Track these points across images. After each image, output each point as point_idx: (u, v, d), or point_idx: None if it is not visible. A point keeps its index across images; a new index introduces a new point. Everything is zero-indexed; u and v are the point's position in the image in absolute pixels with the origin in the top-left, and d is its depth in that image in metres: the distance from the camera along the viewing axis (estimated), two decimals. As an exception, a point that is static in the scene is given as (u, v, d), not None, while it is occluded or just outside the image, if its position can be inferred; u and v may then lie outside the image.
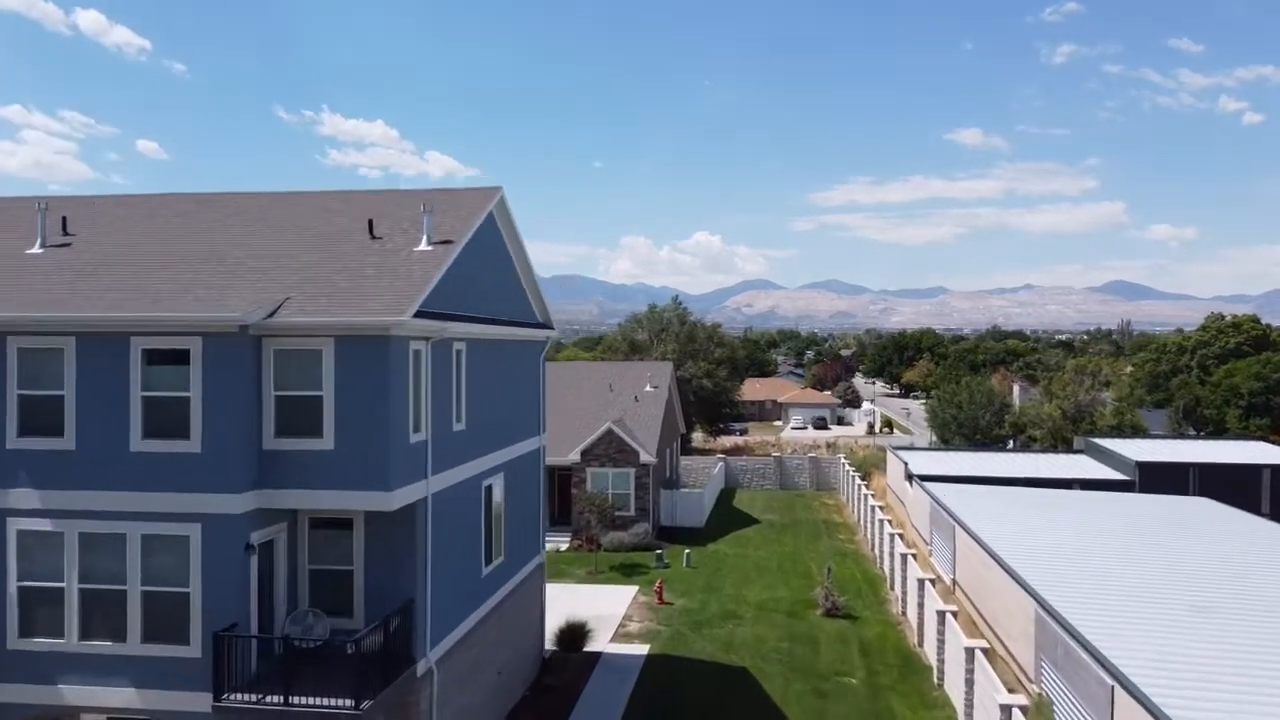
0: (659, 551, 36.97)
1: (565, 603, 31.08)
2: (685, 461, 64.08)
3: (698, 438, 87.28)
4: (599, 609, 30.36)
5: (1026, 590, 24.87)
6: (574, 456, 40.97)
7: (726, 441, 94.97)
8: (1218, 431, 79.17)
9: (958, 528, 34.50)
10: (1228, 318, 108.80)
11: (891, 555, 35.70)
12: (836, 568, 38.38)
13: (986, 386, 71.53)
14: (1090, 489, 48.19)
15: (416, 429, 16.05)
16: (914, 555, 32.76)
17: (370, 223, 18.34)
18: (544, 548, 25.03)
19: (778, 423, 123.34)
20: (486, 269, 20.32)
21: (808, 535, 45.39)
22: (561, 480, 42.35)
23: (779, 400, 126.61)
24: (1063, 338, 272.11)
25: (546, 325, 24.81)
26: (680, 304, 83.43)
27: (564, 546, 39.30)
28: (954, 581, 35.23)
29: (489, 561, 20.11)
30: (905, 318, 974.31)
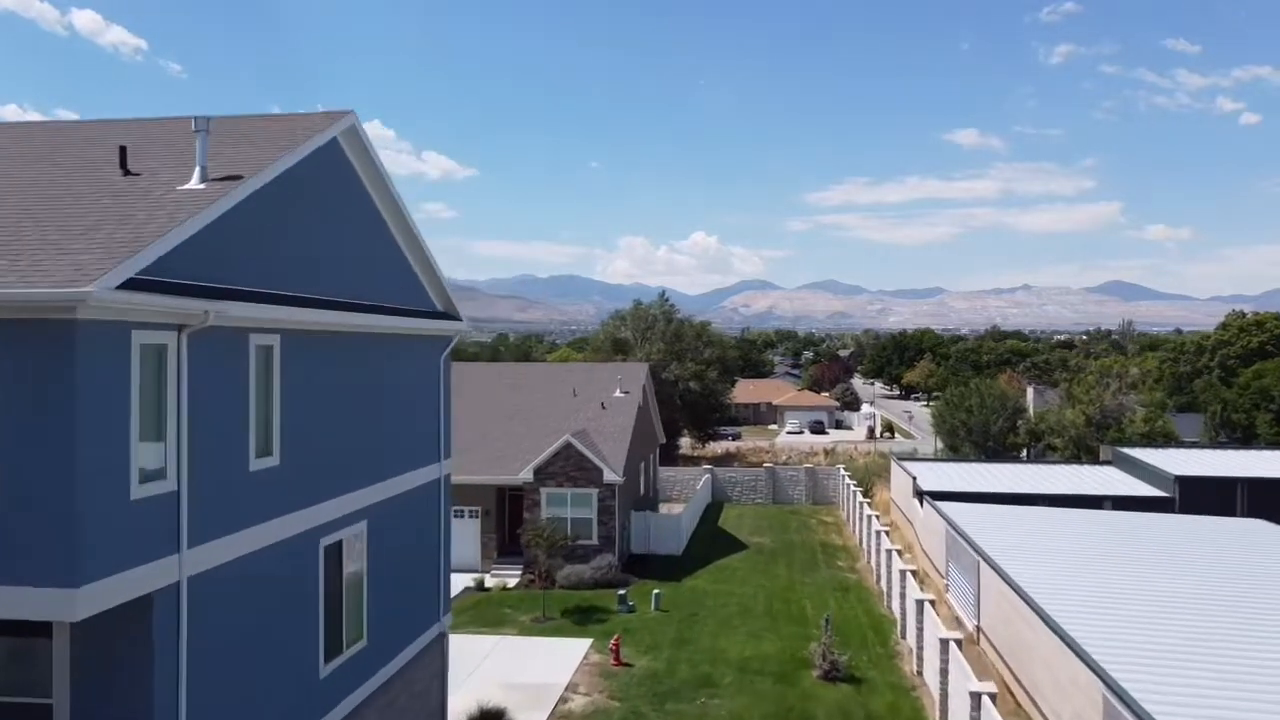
0: (621, 592, 30.70)
1: (496, 664, 24.87)
2: (668, 473, 57.91)
3: (686, 444, 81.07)
4: (537, 674, 24.15)
5: (1088, 664, 18.68)
6: (526, 475, 34.74)
7: (718, 448, 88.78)
8: (1247, 438, 73.11)
9: (982, 564, 28.33)
10: (1248, 315, 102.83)
11: (903, 596, 29.51)
12: (837, 607, 32.20)
13: (998, 389, 65.39)
14: (1125, 508, 42.10)
15: (154, 474, 9.83)
16: (932, 602, 26.59)
17: (123, 152, 12.08)
18: (445, 612, 18.78)
19: (773, 426, 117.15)
20: (329, 229, 14.09)
21: (803, 563, 39.17)
22: (513, 503, 36.14)
23: (774, 403, 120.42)
24: (1062, 338, 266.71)
25: (450, 315, 18.58)
26: (667, 300, 77.24)
27: (513, 582, 33.10)
28: (977, 629, 29.04)
29: (335, 654, 13.88)
30: (903, 318, 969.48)
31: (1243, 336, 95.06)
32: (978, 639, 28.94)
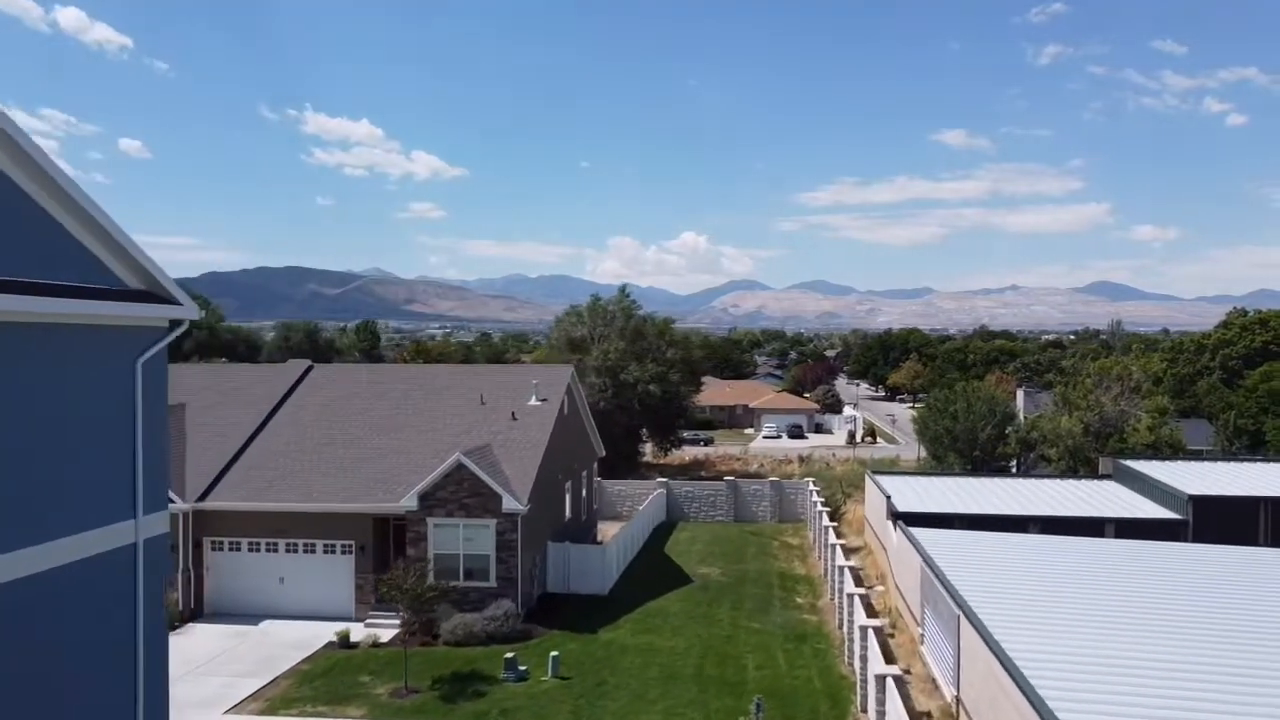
0: (509, 655, 24.33)
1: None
2: (619, 487, 51.78)
3: (651, 451, 74.83)
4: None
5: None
6: (409, 503, 28.41)
7: (685, 455, 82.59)
8: (1255, 444, 67.29)
9: (963, 620, 22.19)
10: (1251, 313, 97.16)
11: (865, 660, 23.37)
12: (786, 666, 26.06)
13: (986, 393, 59.32)
14: (1131, 532, 36.15)
15: None
16: (898, 677, 20.42)
17: None
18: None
19: (750, 430, 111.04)
20: None
21: (754, 602, 32.96)
22: (398, 535, 29.87)
23: (751, 405, 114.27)
24: (1050, 338, 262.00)
25: (160, 297, 12.27)
26: (628, 295, 70.88)
27: (387, 635, 26.80)
28: (957, 701, 22.90)
29: None
30: (891, 318, 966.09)
31: (1245, 335, 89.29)
32: (957, 714, 22.82)
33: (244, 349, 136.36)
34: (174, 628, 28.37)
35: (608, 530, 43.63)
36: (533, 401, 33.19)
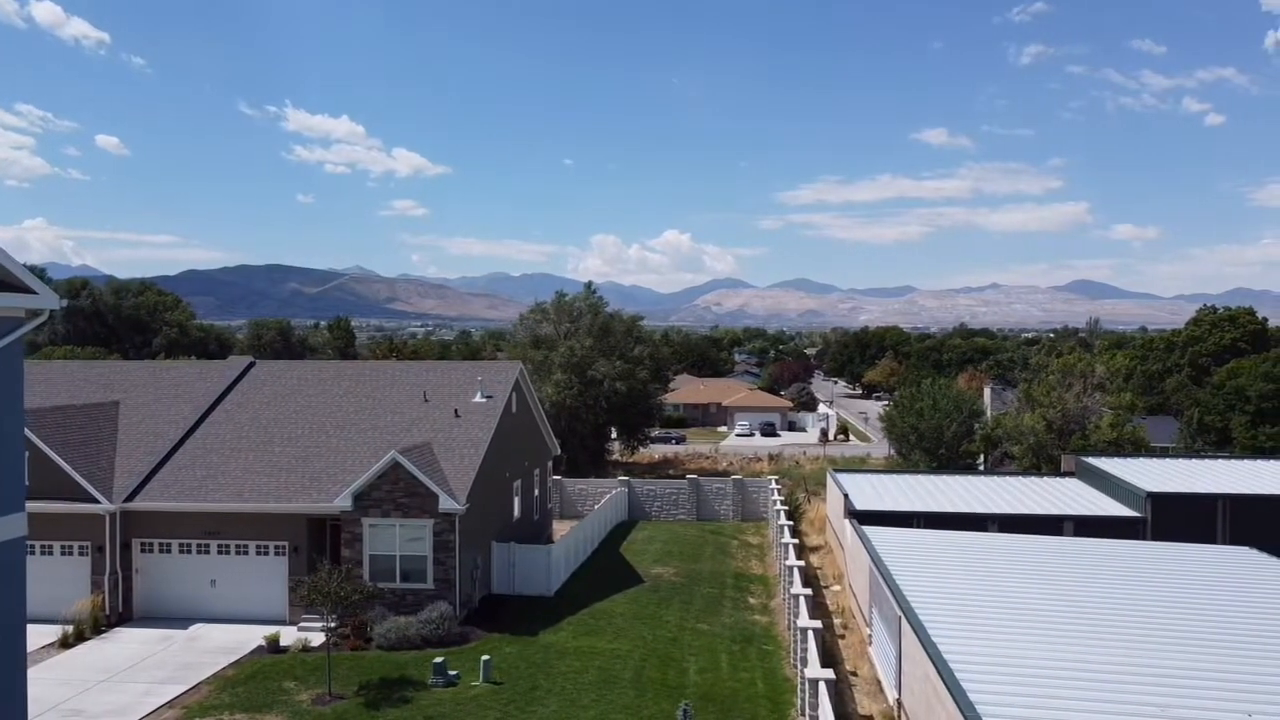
0: (438, 660, 23.52)
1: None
2: (581, 486, 51.14)
3: (619, 450, 74.17)
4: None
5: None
6: (344, 502, 27.57)
7: (656, 453, 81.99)
8: (1221, 442, 67.25)
9: (904, 620, 21.59)
10: (1220, 310, 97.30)
11: (804, 663, 22.73)
12: (729, 668, 25.42)
13: (953, 390, 58.93)
14: (1089, 530, 35.79)
15: None
16: (830, 681, 19.79)
17: None
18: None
19: (723, 429, 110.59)
20: None
21: (704, 603, 32.32)
22: (334, 535, 29.03)
23: (724, 404, 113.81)
24: (1029, 335, 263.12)
25: (10, 286, 11.44)
26: (594, 291, 70.19)
27: (319, 640, 25.95)
28: (898, 705, 22.32)
29: None
30: (873, 316, 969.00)
31: (1214, 333, 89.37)
32: (898, 717, 22.24)
33: (216, 347, 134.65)
34: (100, 632, 27.46)
35: (563, 530, 42.93)
36: (477, 399, 32.40)
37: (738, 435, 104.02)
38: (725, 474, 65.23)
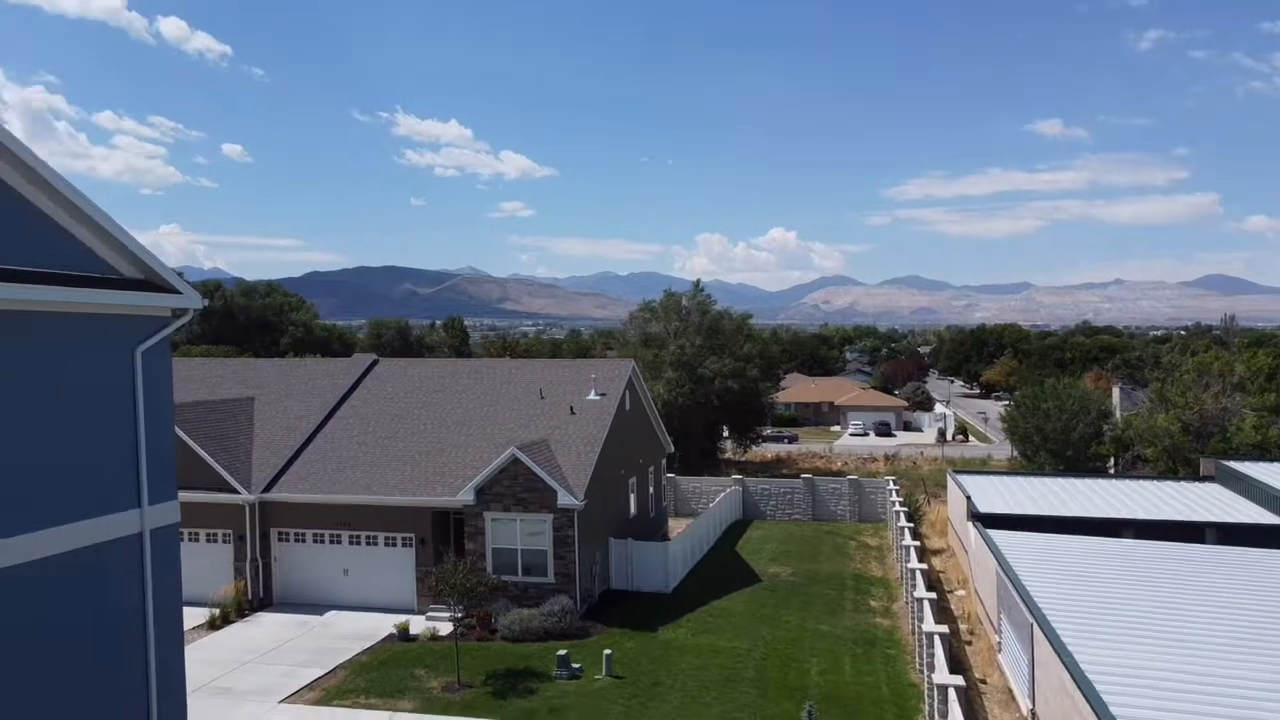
0: (562, 653, 23.86)
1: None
2: (695, 484, 51.07)
3: (731, 448, 73.87)
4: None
5: None
6: (466, 496, 28.24)
7: (768, 452, 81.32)
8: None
9: (1036, 629, 20.84)
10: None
11: (931, 668, 22.17)
12: (852, 671, 24.99)
13: (1079, 390, 56.57)
14: (1233, 539, 33.80)
15: None
16: (977, 686, 19.25)
17: None
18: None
19: (836, 428, 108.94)
20: None
21: (824, 604, 31.87)
22: (457, 529, 29.74)
23: (837, 403, 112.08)
24: (1158, 333, 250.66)
25: (158, 286, 12.08)
26: (703, 290, 70.03)
27: (446, 629, 26.64)
28: (1032, 714, 21.55)
29: None
30: (989, 313, 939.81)
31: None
32: (1032, 728, 21.46)
33: (338, 346, 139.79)
34: (243, 615, 28.81)
35: (678, 527, 43.00)
36: (591, 396, 32.71)
37: (851, 435, 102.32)
38: (840, 474, 64.24)
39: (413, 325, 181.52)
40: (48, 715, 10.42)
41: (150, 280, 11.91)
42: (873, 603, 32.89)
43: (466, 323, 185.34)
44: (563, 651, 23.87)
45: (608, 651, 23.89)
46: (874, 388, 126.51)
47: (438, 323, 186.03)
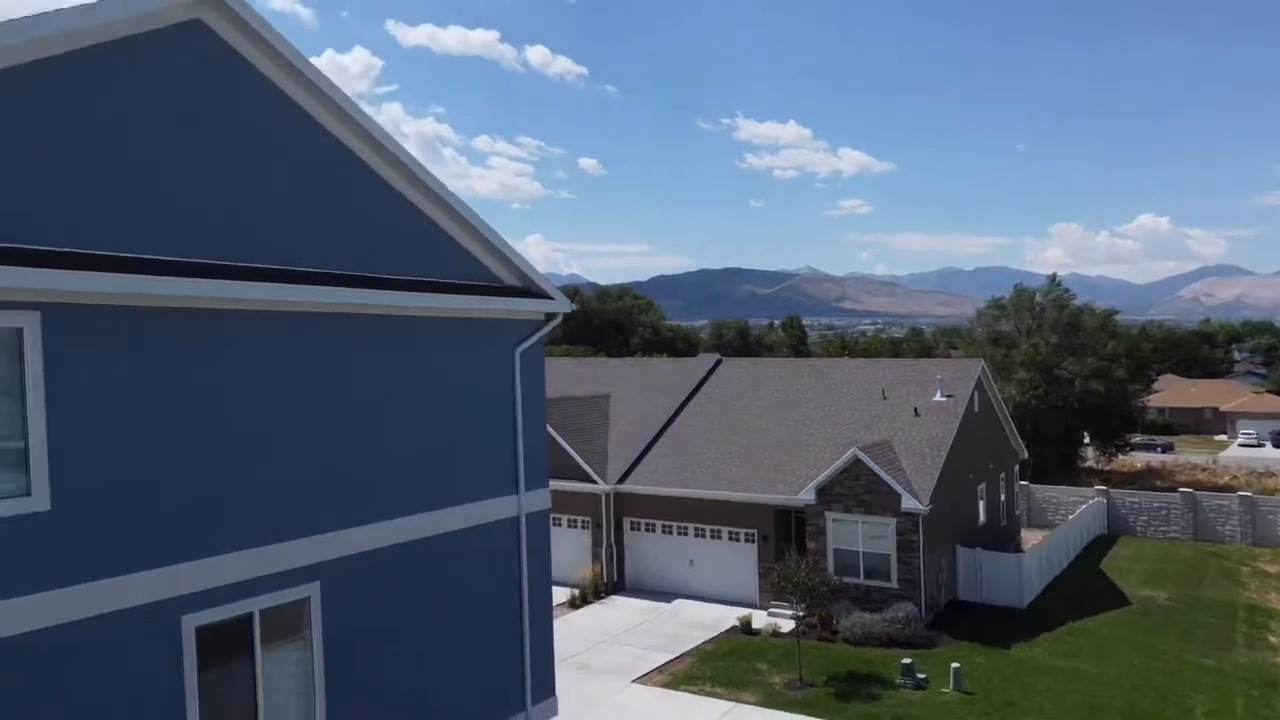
0: (907, 661, 23.18)
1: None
2: (1051, 493, 47.54)
3: (1092, 456, 67.82)
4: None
5: None
6: (807, 496, 28.29)
7: (1137, 461, 73.58)
8: None
9: None
10: None
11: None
12: (1250, 710, 22.02)
13: None
14: None
15: None
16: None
17: None
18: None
19: (1221, 437, 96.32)
20: (212, 152, 9.51)
21: (1208, 635, 28.32)
22: (798, 526, 29.89)
23: (1222, 409, 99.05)
24: None
25: (534, 292, 13.31)
26: (1059, 284, 64.83)
27: (787, 626, 26.92)
28: None
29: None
30: None
31: None
32: None
33: (682, 346, 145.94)
34: (599, 597, 30.98)
35: (1032, 539, 40.22)
36: (937, 398, 31.44)
37: (1241, 445, 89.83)
38: (1228, 489, 56.66)
39: (752, 325, 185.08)
40: (459, 668, 11.93)
41: (527, 287, 13.20)
42: (1272, 639, 28.71)
43: (804, 322, 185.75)
44: (907, 660, 23.21)
45: (956, 665, 22.89)
46: (1270, 392, 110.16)
47: (776, 322, 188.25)
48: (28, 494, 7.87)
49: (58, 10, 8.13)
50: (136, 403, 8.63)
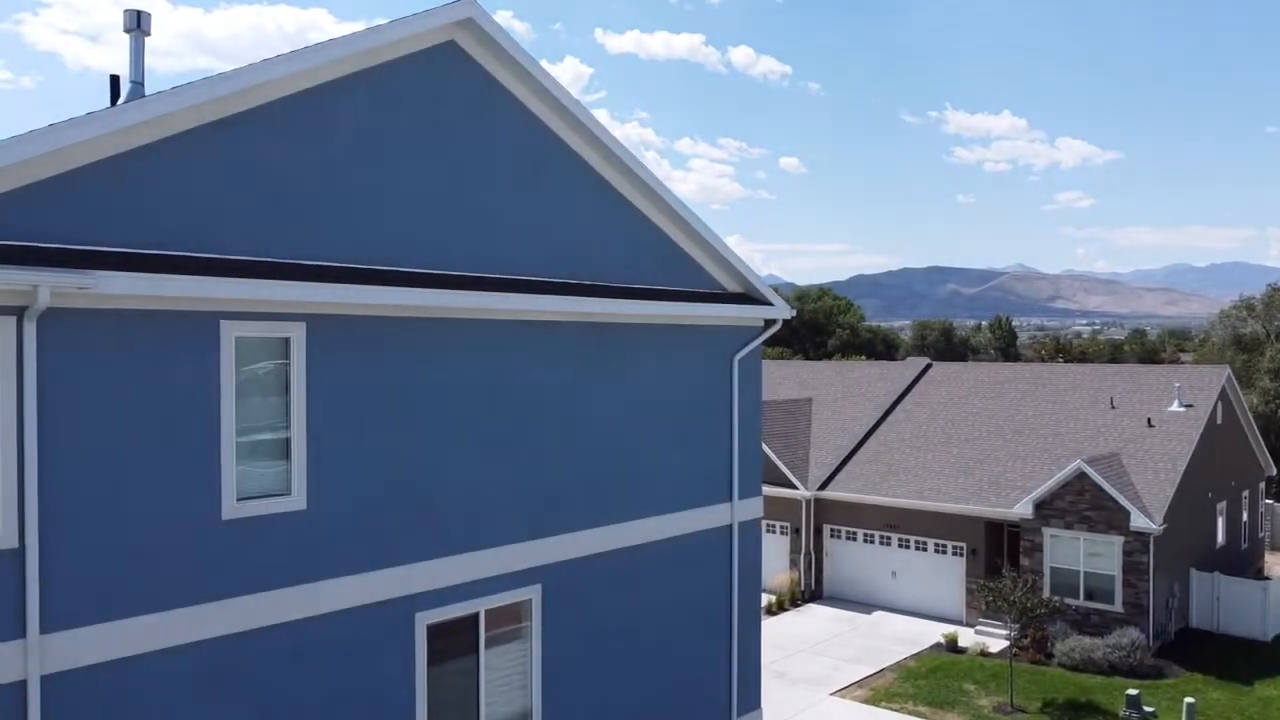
0: (1133, 693, 21.57)
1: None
2: (1301, 515, 42.99)
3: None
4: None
5: None
6: (1023, 510, 26.88)
7: None
8: None
9: None
10: None
11: None
12: None
13: None
14: None
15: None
16: None
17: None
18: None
19: None
20: (440, 163, 10.09)
21: None
22: (1011, 541, 28.46)
23: None
24: None
25: (754, 299, 13.34)
26: (1319, 283, 58.50)
27: (996, 646, 25.73)
28: None
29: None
30: None
31: None
32: None
33: (882, 348, 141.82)
34: (796, 605, 30.67)
35: (1277, 564, 36.61)
36: (1174, 407, 29.08)
37: None
38: None
39: (956, 326, 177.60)
40: (667, 676, 12.18)
41: (748, 293, 13.25)
42: None
43: (1014, 322, 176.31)
44: (1133, 691, 21.62)
45: (1189, 700, 21.11)
46: None
47: (983, 323, 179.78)
48: (288, 493, 8.65)
49: (345, 35, 8.91)
50: (379, 408, 9.32)
